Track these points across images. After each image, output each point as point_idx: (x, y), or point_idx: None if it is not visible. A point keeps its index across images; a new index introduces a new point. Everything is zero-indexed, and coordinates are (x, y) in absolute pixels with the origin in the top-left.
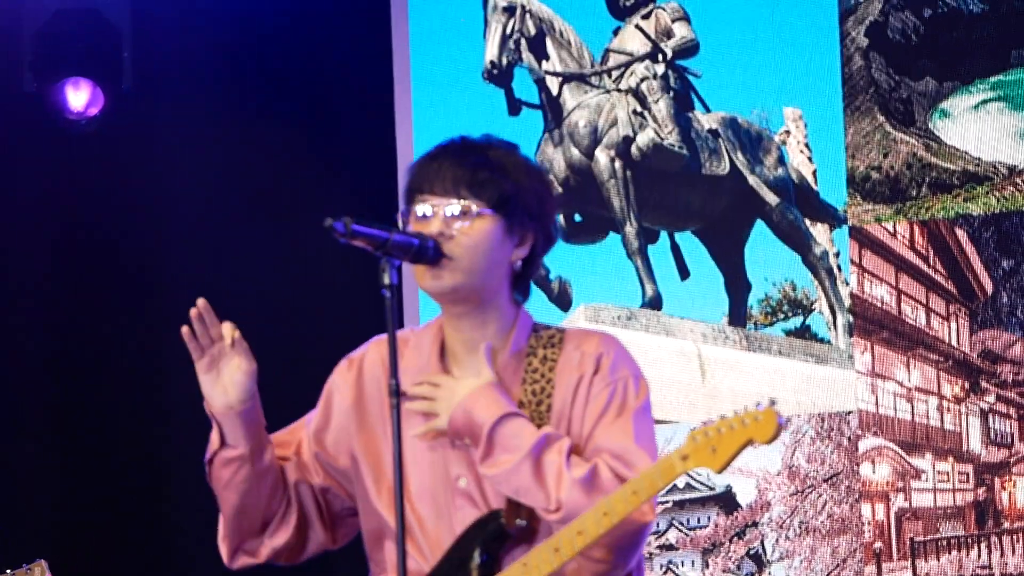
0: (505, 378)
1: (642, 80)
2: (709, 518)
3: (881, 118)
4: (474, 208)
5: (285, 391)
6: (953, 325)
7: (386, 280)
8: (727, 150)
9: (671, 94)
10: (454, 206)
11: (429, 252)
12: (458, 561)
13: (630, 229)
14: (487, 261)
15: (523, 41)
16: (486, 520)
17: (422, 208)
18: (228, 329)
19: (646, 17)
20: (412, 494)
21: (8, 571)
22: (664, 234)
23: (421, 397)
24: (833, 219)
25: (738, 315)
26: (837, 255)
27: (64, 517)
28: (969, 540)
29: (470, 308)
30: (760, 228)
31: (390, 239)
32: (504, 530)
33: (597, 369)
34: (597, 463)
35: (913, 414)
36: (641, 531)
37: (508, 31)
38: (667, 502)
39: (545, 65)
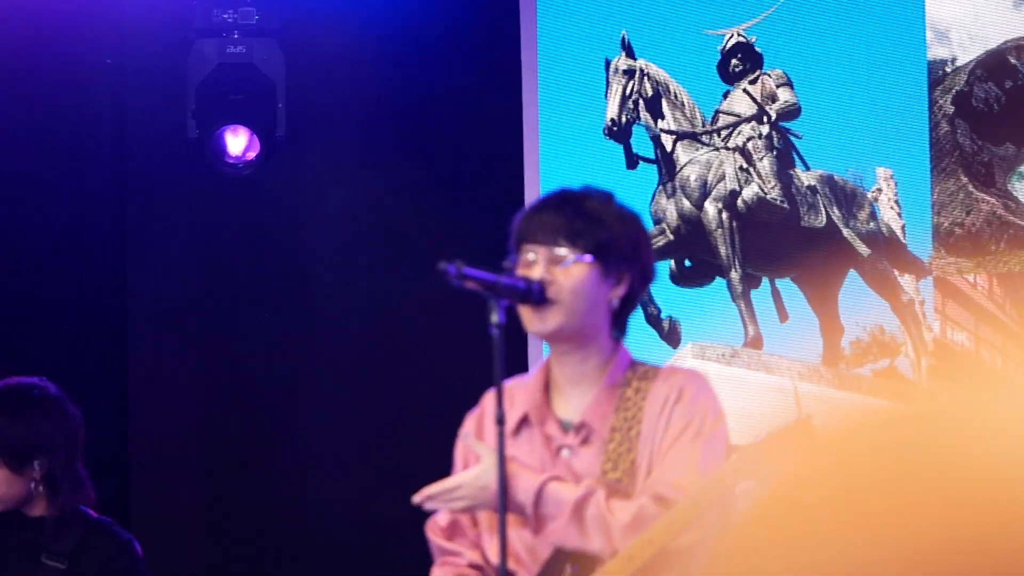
0: (600, 406)
1: (748, 139)
2: None
3: (965, 179)
4: (572, 255)
5: (410, 415)
6: None
7: (494, 319)
8: (824, 205)
9: (774, 153)
10: (555, 253)
11: (535, 294)
12: (553, 574)
13: (735, 275)
14: (586, 302)
15: (641, 101)
16: None
17: (527, 255)
18: None
19: (753, 82)
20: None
21: None
22: (766, 280)
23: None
24: (920, 270)
25: (831, 355)
26: (923, 303)
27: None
28: None
29: (573, 346)
30: (853, 277)
31: (499, 282)
32: None
33: (679, 398)
34: (642, 503)
35: None
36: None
37: (628, 92)
38: None
39: (660, 124)
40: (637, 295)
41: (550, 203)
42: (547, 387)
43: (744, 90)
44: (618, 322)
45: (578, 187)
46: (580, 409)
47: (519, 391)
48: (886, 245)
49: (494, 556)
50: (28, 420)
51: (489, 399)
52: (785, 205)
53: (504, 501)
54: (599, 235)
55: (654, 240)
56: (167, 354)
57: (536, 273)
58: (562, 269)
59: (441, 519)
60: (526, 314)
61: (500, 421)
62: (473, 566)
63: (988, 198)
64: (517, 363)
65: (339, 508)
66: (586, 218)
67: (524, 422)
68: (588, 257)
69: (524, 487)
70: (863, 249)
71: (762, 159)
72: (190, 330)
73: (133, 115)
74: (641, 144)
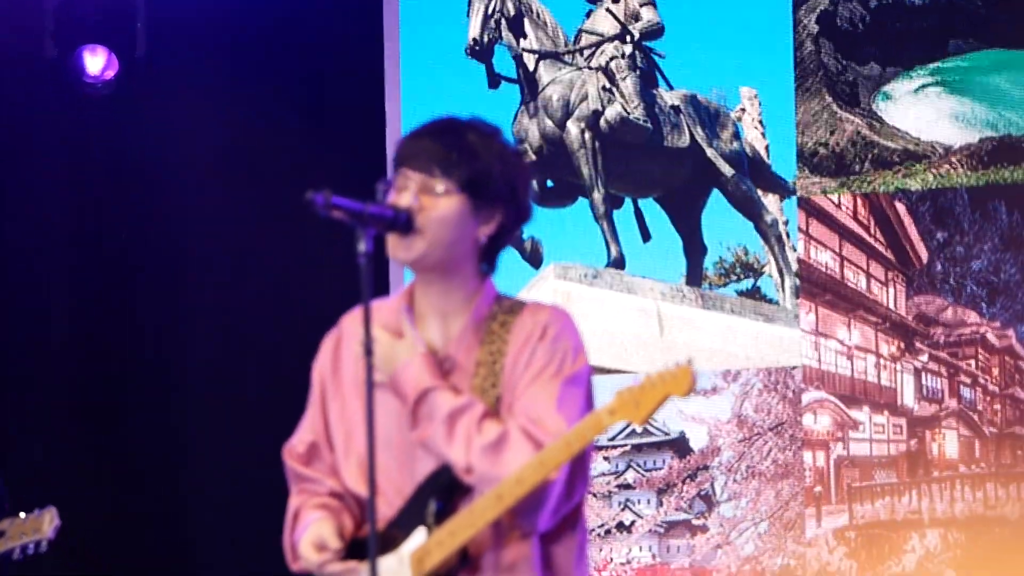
0: (466, 339)
1: (611, 59)
2: (664, 461)
3: (829, 99)
4: (442, 186)
5: (271, 343)
6: (891, 290)
7: (361, 248)
8: (687, 125)
9: (637, 72)
10: (426, 182)
11: (402, 223)
12: (416, 509)
13: (597, 195)
14: (452, 235)
15: (503, 20)
16: (439, 472)
17: (401, 180)
18: None
19: (616, 1)
20: (378, 446)
21: (21, 514)
22: (628, 200)
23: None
24: (783, 190)
25: (695, 276)
26: (786, 223)
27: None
28: (901, 487)
29: (436, 276)
30: (716, 197)
31: (366, 211)
32: (456, 481)
33: (543, 336)
34: (509, 427)
35: (852, 370)
36: (545, 491)
37: (490, 11)
38: (626, 445)
39: (523, 43)
40: (508, 234)
41: (432, 129)
42: (411, 312)
43: (607, 9)
44: (486, 258)
45: (466, 117)
46: (444, 340)
47: (381, 313)
48: (750, 165)
49: (351, 482)
50: None
51: (348, 321)
52: (648, 125)
53: (372, 431)
54: (474, 169)
55: None
56: (32, 278)
57: (406, 199)
58: (432, 198)
59: (298, 444)
60: (391, 241)
61: (368, 351)
62: (333, 494)
63: (852, 118)
64: (381, 291)
65: (200, 423)
66: (463, 150)
67: None
68: (458, 190)
69: (413, 382)
70: (726, 169)
71: (625, 79)
72: (55, 252)
73: None
74: (503, 64)
